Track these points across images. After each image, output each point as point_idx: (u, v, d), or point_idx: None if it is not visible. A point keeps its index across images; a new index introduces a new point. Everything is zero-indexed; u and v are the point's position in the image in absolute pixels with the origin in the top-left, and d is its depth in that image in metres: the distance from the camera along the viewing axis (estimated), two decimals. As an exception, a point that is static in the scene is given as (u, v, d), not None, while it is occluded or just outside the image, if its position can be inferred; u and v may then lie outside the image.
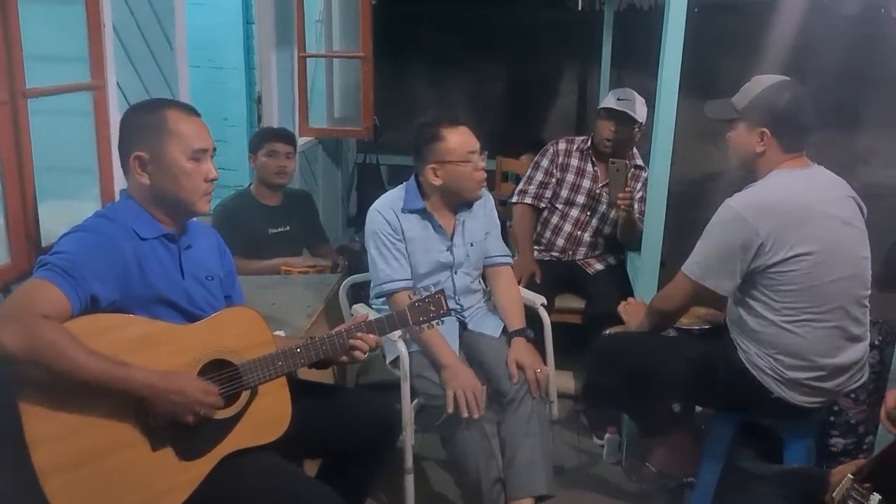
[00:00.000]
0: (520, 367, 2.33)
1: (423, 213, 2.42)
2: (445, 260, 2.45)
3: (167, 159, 1.70)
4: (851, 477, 1.45)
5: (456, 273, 2.48)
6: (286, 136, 3.24)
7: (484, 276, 2.65)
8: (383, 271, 2.38)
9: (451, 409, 2.21)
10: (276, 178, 3.18)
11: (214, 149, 1.79)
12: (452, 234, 2.46)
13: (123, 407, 1.56)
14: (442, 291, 2.00)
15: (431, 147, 2.35)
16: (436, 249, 2.43)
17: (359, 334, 1.88)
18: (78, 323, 1.54)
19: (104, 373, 1.51)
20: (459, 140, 2.34)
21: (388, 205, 2.41)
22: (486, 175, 2.41)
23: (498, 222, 2.62)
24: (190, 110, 1.77)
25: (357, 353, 1.89)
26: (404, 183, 2.48)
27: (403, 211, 2.40)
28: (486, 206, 2.54)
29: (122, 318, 1.62)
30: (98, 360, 1.51)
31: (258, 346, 1.76)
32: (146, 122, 1.72)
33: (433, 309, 1.99)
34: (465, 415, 2.21)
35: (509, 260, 2.61)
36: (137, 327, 1.63)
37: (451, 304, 2.46)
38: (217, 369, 1.70)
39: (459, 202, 2.44)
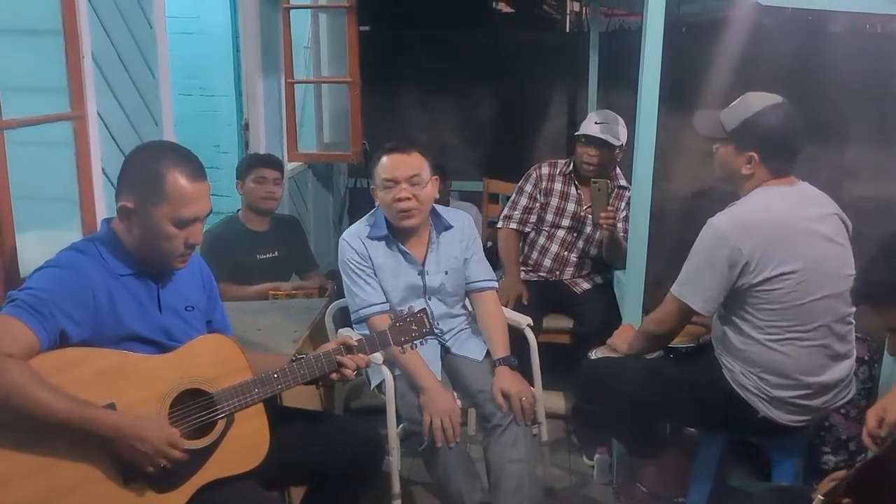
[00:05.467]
0: (505, 396, 2.29)
1: (388, 240, 2.40)
2: (417, 286, 2.42)
3: (151, 219, 1.65)
4: (822, 499, 1.44)
5: (430, 299, 2.44)
6: (273, 162, 3.25)
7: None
8: (358, 297, 2.38)
9: (426, 435, 2.20)
10: (264, 204, 3.20)
11: (210, 212, 1.73)
12: (424, 260, 2.43)
13: (93, 442, 1.54)
14: (424, 310, 1.98)
15: (373, 170, 2.39)
16: (405, 275, 2.41)
17: (348, 355, 1.85)
18: (45, 357, 1.52)
19: (69, 413, 1.49)
20: (382, 166, 2.34)
21: (355, 233, 2.42)
22: (407, 206, 2.31)
23: (480, 247, 2.57)
24: (195, 174, 1.68)
25: (346, 371, 1.86)
26: (373, 210, 2.47)
27: (370, 238, 2.40)
28: (463, 230, 2.50)
29: (91, 352, 1.60)
30: (64, 401, 1.49)
31: (233, 373, 1.74)
32: (144, 173, 1.66)
33: (415, 328, 1.97)
34: (440, 444, 2.19)
35: (493, 284, 2.56)
36: (106, 360, 1.60)
37: None
38: (192, 399, 1.68)
39: (404, 229, 2.39)
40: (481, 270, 2.53)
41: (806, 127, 2.13)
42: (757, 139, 2.10)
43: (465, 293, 2.55)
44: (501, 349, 2.41)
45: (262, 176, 3.16)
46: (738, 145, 2.13)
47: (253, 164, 3.20)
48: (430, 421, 2.19)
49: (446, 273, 2.45)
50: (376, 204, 2.42)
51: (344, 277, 2.42)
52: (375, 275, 2.39)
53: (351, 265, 2.39)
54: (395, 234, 2.40)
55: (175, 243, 1.69)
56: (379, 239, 2.40)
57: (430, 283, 2.43)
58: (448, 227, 2.47)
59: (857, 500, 1.44)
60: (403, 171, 2.31)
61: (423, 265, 2.43)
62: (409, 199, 2.31)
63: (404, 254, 2.41)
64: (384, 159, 2.35)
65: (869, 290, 1.62)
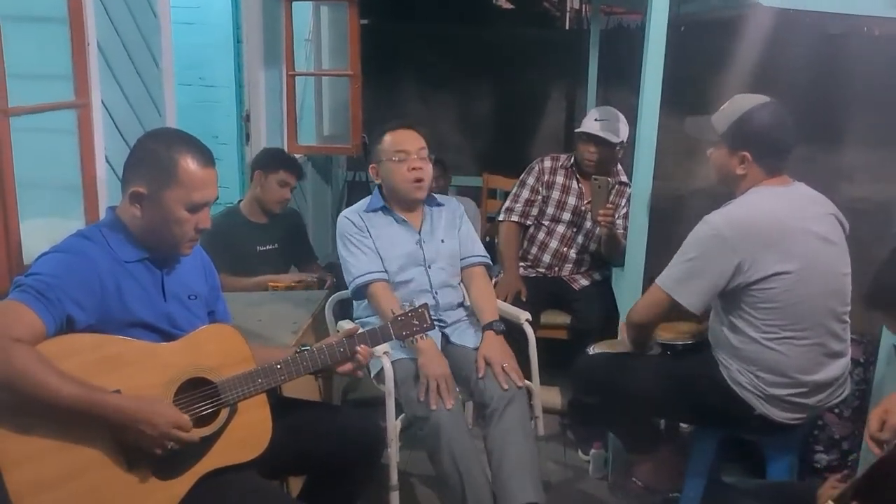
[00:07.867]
0: (488, 363, 2.36)
1: (385, 210, 2.53)
2: (416, 254, 2.52)
3: (163, 204, 1.68)
4: (833, 502, 1.45)
5: (430, 268, 2.54)
6: (300, 171, 3.28)
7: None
8: (355, 266, 2.46)
9: (423, 396, 2.25)
10: (277, 207, 3.23)
11: (217, 198, 1.78)
12: (420, 229, 2.55)
13: (99, 426, 1.55)
14: (426, 305, 2.02)
15: (375, 148, 2.52)
16: (403, 243, 2.52)
17: (358, 348, 1.88)
18: (51, 343, 1.53)
19: (76, 398, 1.50)
20: (392, 140, 2.48)
21: (353, 210, 2.57)
22: (420, 175, 2.46)
23: (471, 224, 2.70)
24: (205, 160, 1.73)
25: (348, 368, 1.90)
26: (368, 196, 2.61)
27: (367, 211, 2.53)
28: (452, 210, 2.64)
29: (97, 338, 1.60)
30: (70, 385, 1.50)
31: (237, 363, 1.76)
32: (157, 159, 1.68)
33: (416, 323, 2.01)
34: (435, 407, 2.23)
35: (485, 259, 2.67)
36: (112, 346, 1.61)
37: (429, 300, 2.49)
38: (196, 388, 1.69)
39: (409, 201, 2.52)
40: (474, 246, 2.66)
41: (796, 124, 2.14)
42: (748, 139, 2.11)
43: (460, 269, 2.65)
44: (489, 315, 2.51)
45: (287, 182, 3.18)
46: (730, 146, 2.15)
47: (282, 166, 3.19)
48: (426, 382, 2.25)
49: (442, 241, 2.57)
50: (377, 181, 2.54)
51: (341, 251, 2.51)
52: (374, 246, 2.48)
53: (348, 237, 2.49)
54: (392, 207, 2.53)
55: (186, 228, 1.72)
56: (375, 210, 2.52)
57: (427, 252, 2.53)
58: (439, 205, 2.62)
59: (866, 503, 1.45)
60: (413, 143, 2.47)
61: (420, 234, 2.54)
62: (420, 168, 2.45)
63: (401, 222, 2.53)
64: (390, 136, 2.48)
65: (882, 295, 1.63)
